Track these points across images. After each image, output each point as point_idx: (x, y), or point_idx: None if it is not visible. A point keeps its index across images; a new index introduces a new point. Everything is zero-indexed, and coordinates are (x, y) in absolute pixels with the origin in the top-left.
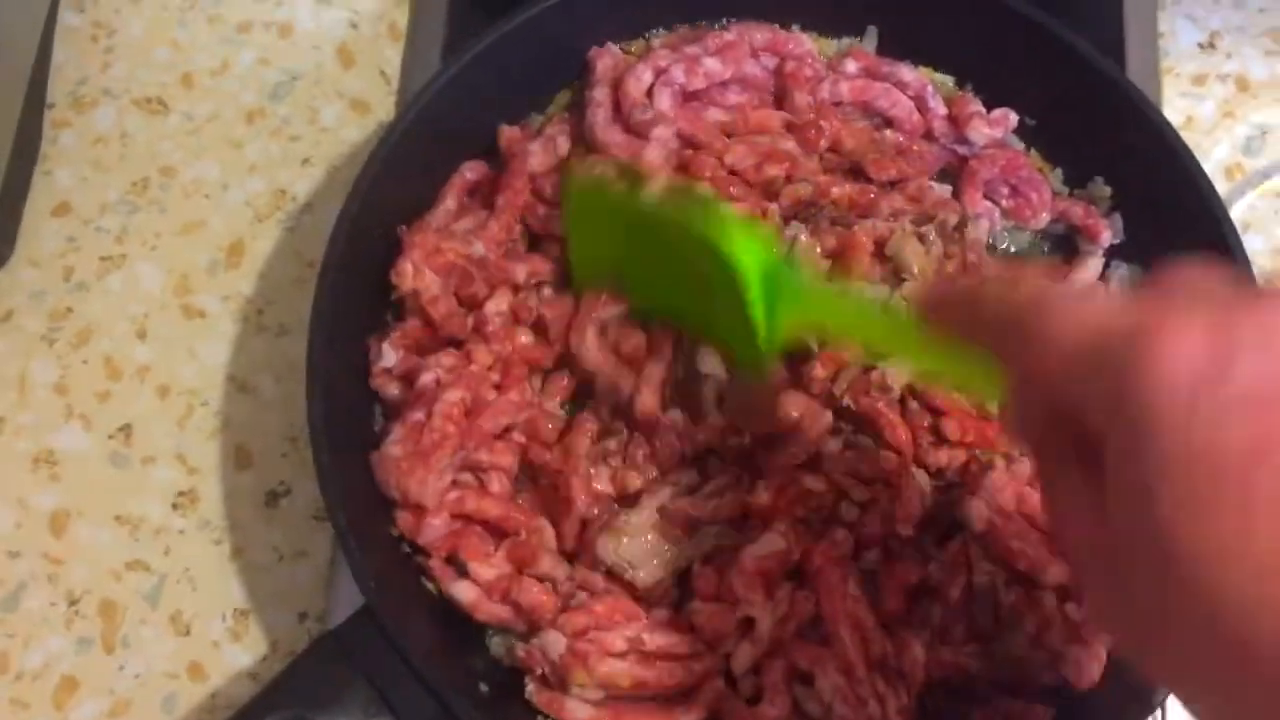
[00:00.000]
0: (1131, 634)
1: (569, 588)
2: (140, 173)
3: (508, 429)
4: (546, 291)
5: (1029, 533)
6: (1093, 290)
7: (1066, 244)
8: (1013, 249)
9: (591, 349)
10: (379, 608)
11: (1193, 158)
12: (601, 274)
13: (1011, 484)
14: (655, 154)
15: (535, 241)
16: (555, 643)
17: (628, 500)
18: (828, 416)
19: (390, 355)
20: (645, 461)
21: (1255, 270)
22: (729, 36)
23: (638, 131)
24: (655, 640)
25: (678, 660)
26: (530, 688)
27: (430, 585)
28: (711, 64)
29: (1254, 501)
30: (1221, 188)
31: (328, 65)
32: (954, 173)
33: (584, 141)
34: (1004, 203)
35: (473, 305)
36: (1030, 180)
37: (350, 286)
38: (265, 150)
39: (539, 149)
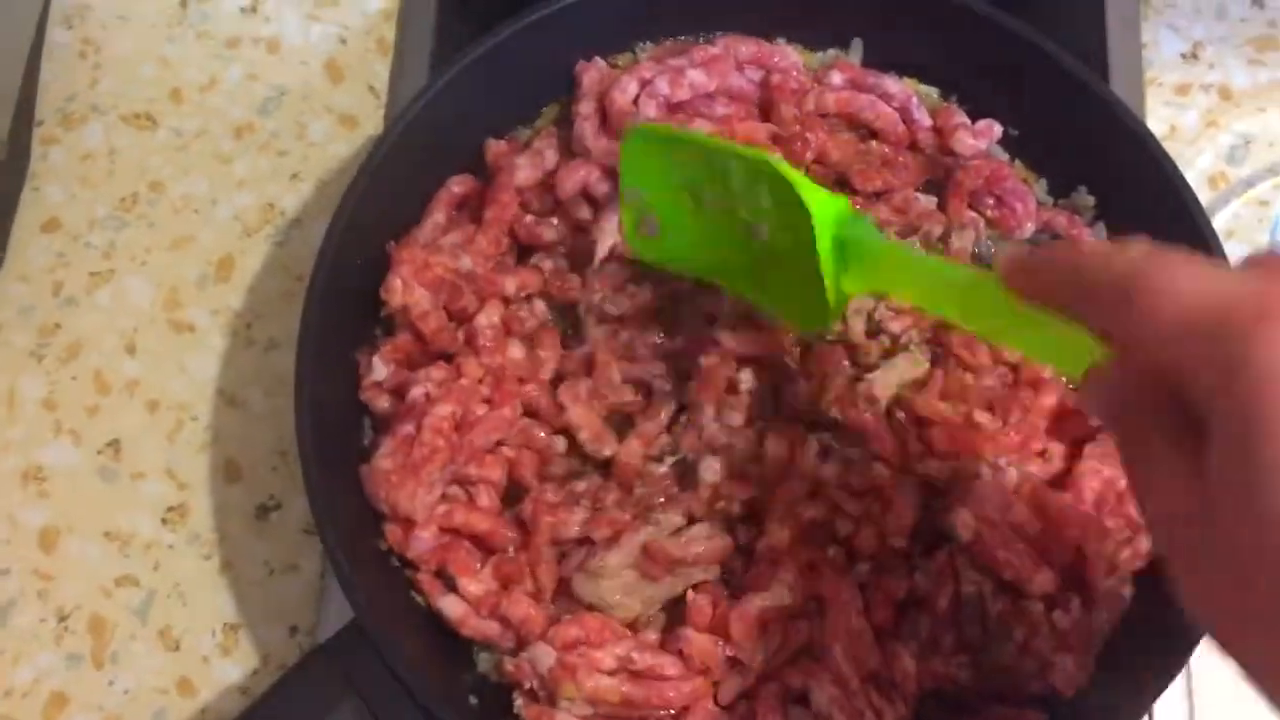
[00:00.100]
0: (1222, 606)
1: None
2: (129, 188)
3: (498, 443)
4: (539, 305)
5: (1015, 542)
6: (1201, 259)
7: None
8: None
9: (577, 405)
10: (368, 622)
11: (1175, 167)
12: (651, 238)
13: (998, 493)
14: None
15: (524, 254)
16: (544, 656)
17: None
18: (814, 444)
19: (380, 369)
20: (615, 506)
21: None
22: (714, 50)
23: None
24: (645, 660)
25: (667, 681)
26: (519, 702)
27: (420, 599)
28: (696, 76)
29: None
30: (1205, 197)
31: (316, 80)
32: (939, 184)
33: (571, 155)
34: (989, 213)
35: (463, 319)
36: (1015, 191)
37: (339, 300)
38: (254, 165)
39: (526, 162)
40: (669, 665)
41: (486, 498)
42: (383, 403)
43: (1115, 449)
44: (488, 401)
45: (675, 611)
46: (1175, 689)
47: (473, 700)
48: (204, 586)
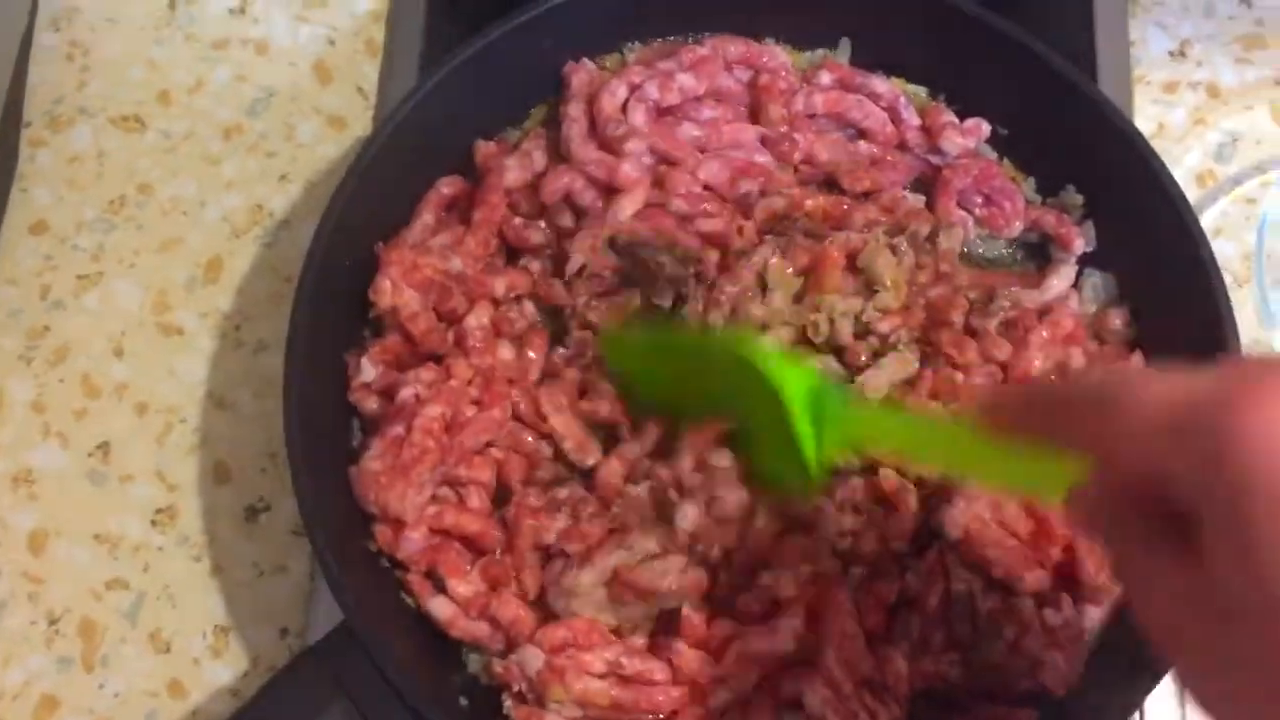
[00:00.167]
0: (1236, 701)
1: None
2: (117, 190)
3: (487, 444)
4: (528, 307)
5: (1005, 540)
6: (1165, 369)
7: (1040, 252)
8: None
9: (559, 414)
10: (357, 623)
11: (1162, 165)
12: (650, 404)
13: (987, 492)
14: (631, 169)
15: (513, 255)
16: (533, 658)
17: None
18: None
19: (369, 370)
20: (592, 520)
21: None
22: (703, 51)
23: (612, 147)
24: (633, 665)
25: (656, 686)
26: (508, 703)
27: (409, 600)
28: (685, 79)
29: None
30: (1193, 194)
31: (305, 82)
32: (928, 183)
33: (559, 157)
34: (978, 212)
35: (452, 320)
36: (1003, 189)
37: (327, 301)
38: (242, 167)
39: (515, 164)
40: (658, 671)
41: (477, 499)
42: (372, 404)
43: None
44: (477, 403)
45: (665, 616)
46: (1166, 686)
47: (463, 702)
48: (194, 589)
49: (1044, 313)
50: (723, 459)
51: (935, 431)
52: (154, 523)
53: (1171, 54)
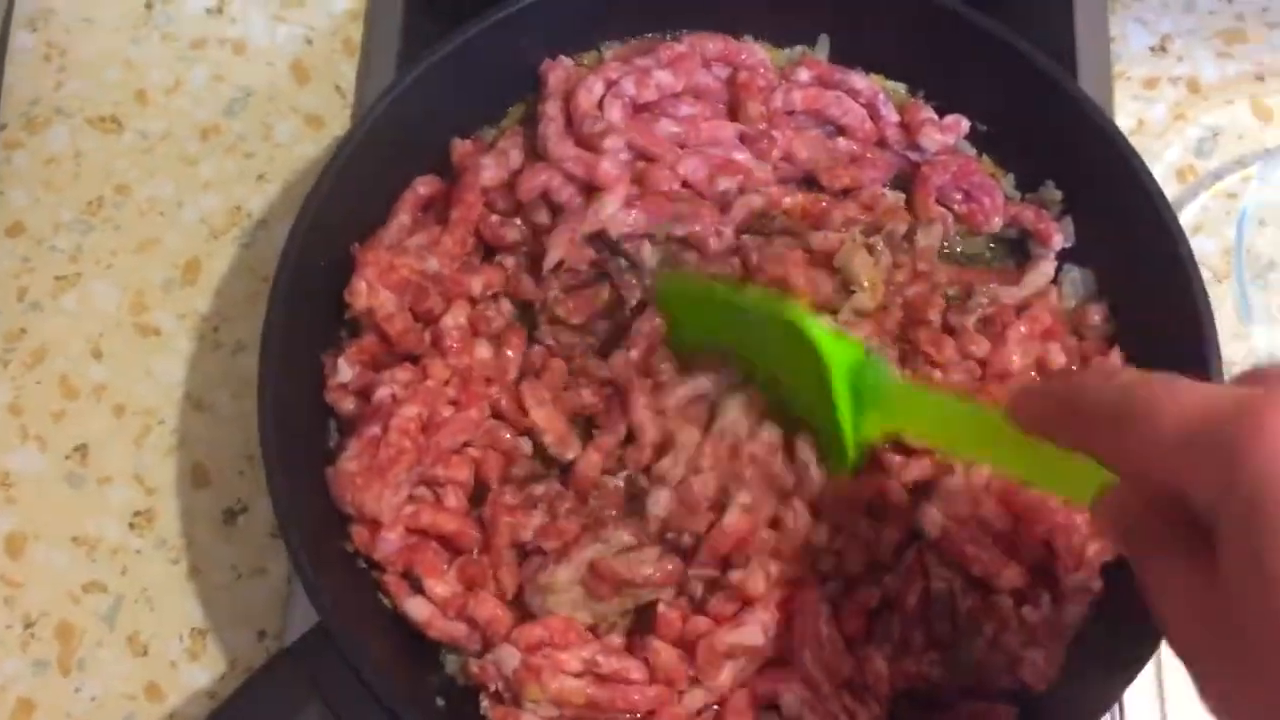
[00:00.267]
0: (1247, 706)
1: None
2: (94, 191)
3: (465, 444)
4: (505, 305)
5: (984, 537)
6: (1185, 380)
7: (1019, 248)
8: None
9: (541, 407)
10: (333, 624)
11: (1141, 163)
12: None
13: (966, 490)
14: (610, 166)
15: (489, 254)
16: (509, 657)
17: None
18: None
19: (346, 370)
20: (568, 516)
21: (1206, 272)
22: (680, 48)
23: (589, 144)
24: (610, 664)
25: (632, 685)
26: (485, 704)
27: (387, 601)
28: (663, 76)
29: None
30: (1174, 190)
31: (282, 81)
32: (907, 180)
33: (536, 154)
34: (957, 208)
35: (429, 320)
36: (982, 185)
37: (303, 302)
38: (220, 167)
39: (491, 162)
40: (634, 670)
41: (454, 498)
42: (348, 405)
43: None
44: (454, 403)
45: (642, 615)
46: (1145, 679)
47: (440, 702)
48: (172, 591)
49: (1022, 309)
50: (692, 436)
51: (974, 421)
52: (132, 525)
53: (1152, 49)
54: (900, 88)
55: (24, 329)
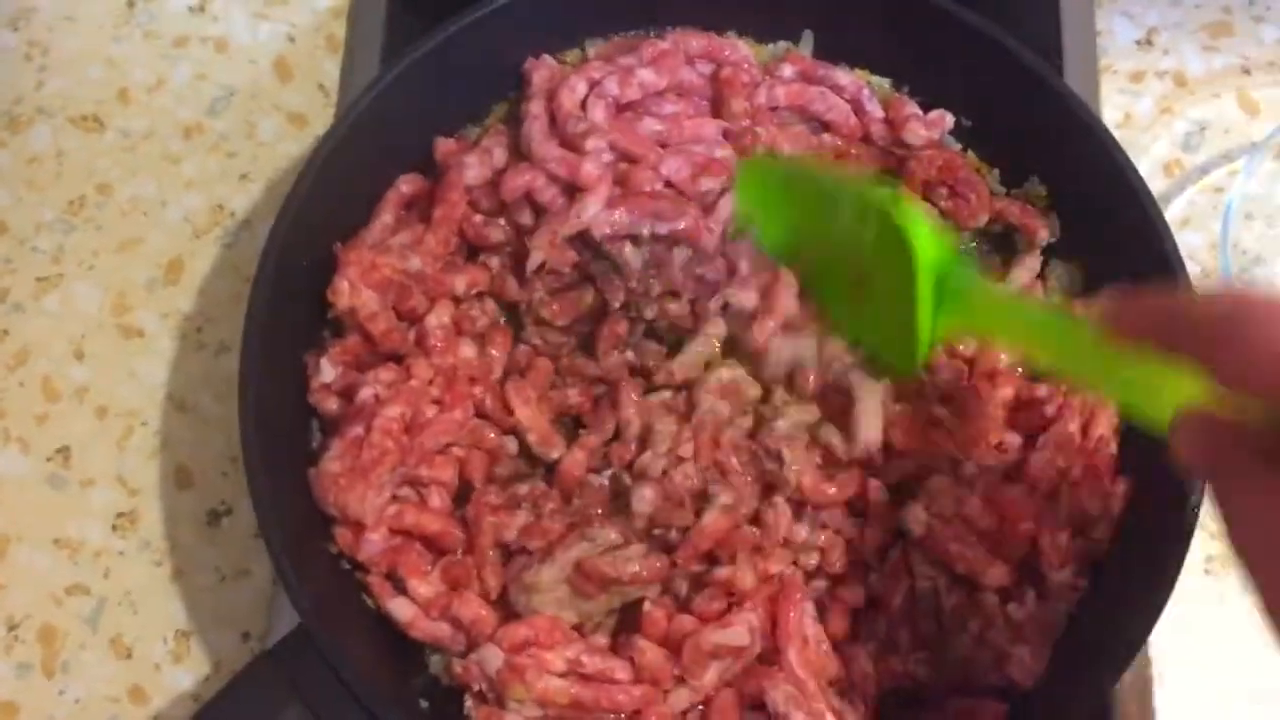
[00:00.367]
0: None
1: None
2: (76, 191)
3: (449, 444)
4: (490, 304)
5: (968, 535)
6: None
7: (1005, 243)
8: None
9: (527, 406)
10: (314, 626)
11: (1127, 159)
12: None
13: (950, 488)
14: (592, 167)
15: (473, 253)
16: (492, 657)
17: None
18: (784, 506)
19: (329, 370)
20: (553, 515)
21: (1193, 266)
22: (664, 45)
23: (573, 144)
24: (594, 664)
25: (617, 685)
26: (469, 704)
27: (371, 602)
28: (646, 75)
29: None
30: (1161, 184)
31: (265, 79)
32: (892, 175)
33: (520, 154)
34: (942, 204)
35: (413, 319)
36: (968, 181)
37: (285, 301)
38: (203, 166)
39: (475, 161)
40: (619, 670)
41: (438, 498)
42: (331, 405)
43: (1068, 439)
44: (438, 403)
45: (627, 614)
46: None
47: (423, 704)
48: (155, 594)
49: None
50: (669, 425)
51: (1056, 327)
52: (115, 527)
53: (1138, 43)
54: (885, 83)
55: (6, 330)
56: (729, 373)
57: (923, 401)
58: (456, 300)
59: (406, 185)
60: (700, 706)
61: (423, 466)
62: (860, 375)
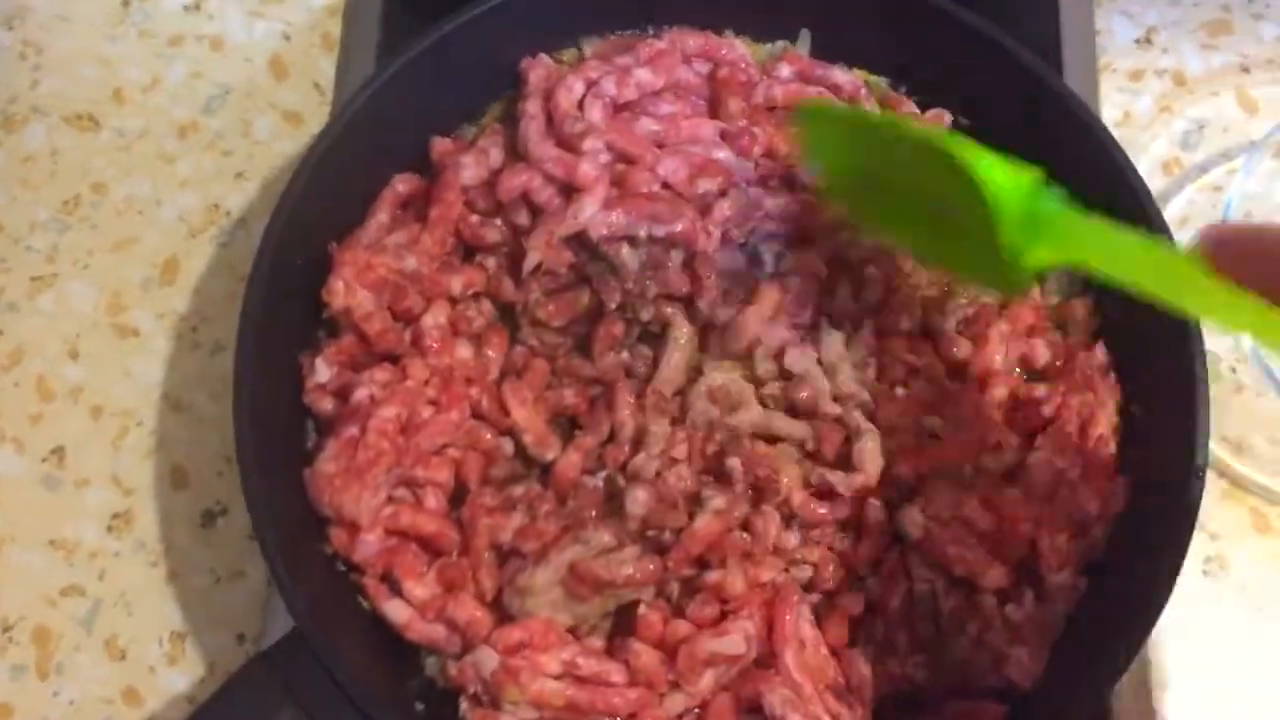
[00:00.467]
0: None
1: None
2: (71, 190)
3: (445, 445)
4: (486, 305)
5: (966, 537)
6: None
7: None
8: None
9: (523, 407)
10: (307, 627)
11: (1124, 155)
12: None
13: (947, 490)
14: (589, 168)
15: (469, 253)
16: (487, 659)
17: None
18: (774, 515)
19: (324, 371)
20: (548, 517)
21: None
22: (661, 45)
23: (570, 144)
24: (590, 666)
25: (612, 688)
26: (464, 706)
27: (366, 604)
28: (643, 74)
29: None
30: (1160, 183)
31: (260, 78)
32: None
33: (516, 154)
34: None
35: (409, 319)
36: None
37: (280, 301)
38: (198, 165)
39: (471, 161)
40: (614, 672)
41: (434, 499)
42: (327, 405)
43: (1066, 439)
44: (434, 403)
45: (623, 617)
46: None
47: (419, 706)
48: (150, 595)
49: (1004, 306)
50: (663, 427)
51: (1156, 257)
52: (110, 528)
53: (1137, 42)
54: (882, 82)
55: (0, 330)
56: (721, 376)
57: (914, 418)
58: (453, 300)
59: (402, 185)
60: (696, 710)
61: (418, 467)
62: (861, 416)
